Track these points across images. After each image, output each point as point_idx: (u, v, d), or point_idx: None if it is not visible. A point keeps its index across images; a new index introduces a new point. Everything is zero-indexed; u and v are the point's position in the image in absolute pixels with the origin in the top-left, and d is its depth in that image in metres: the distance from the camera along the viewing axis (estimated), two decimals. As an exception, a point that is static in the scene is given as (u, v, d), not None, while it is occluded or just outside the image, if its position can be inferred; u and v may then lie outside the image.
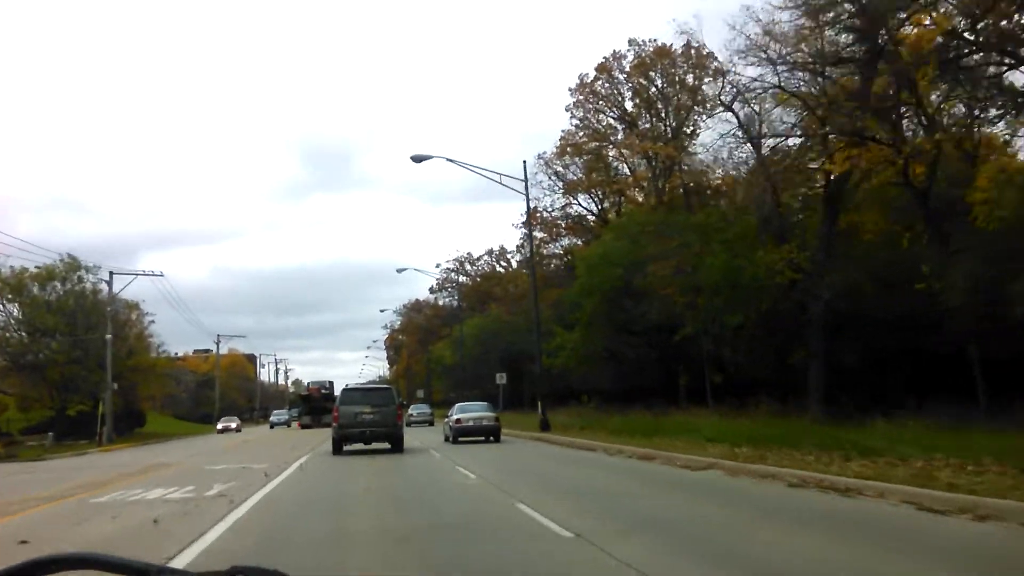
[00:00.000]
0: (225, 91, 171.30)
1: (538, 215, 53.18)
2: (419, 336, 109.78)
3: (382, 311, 78.54)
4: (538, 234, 54.03)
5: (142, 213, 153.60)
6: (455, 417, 30.53)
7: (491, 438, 29.55)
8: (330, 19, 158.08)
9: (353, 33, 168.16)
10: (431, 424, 52.21)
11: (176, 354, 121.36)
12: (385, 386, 32.01)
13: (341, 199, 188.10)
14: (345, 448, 24.74)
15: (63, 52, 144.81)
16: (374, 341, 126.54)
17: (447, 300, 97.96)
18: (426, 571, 6.83)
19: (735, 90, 24.58)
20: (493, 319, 60.36)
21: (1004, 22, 17.71)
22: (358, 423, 24.13)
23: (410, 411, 53.95)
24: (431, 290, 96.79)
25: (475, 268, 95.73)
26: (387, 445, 24.55)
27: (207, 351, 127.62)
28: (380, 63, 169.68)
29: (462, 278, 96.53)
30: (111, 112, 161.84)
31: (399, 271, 58.35)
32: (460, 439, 29.21)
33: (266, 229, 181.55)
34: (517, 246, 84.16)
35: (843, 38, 21.35)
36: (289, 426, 68.31)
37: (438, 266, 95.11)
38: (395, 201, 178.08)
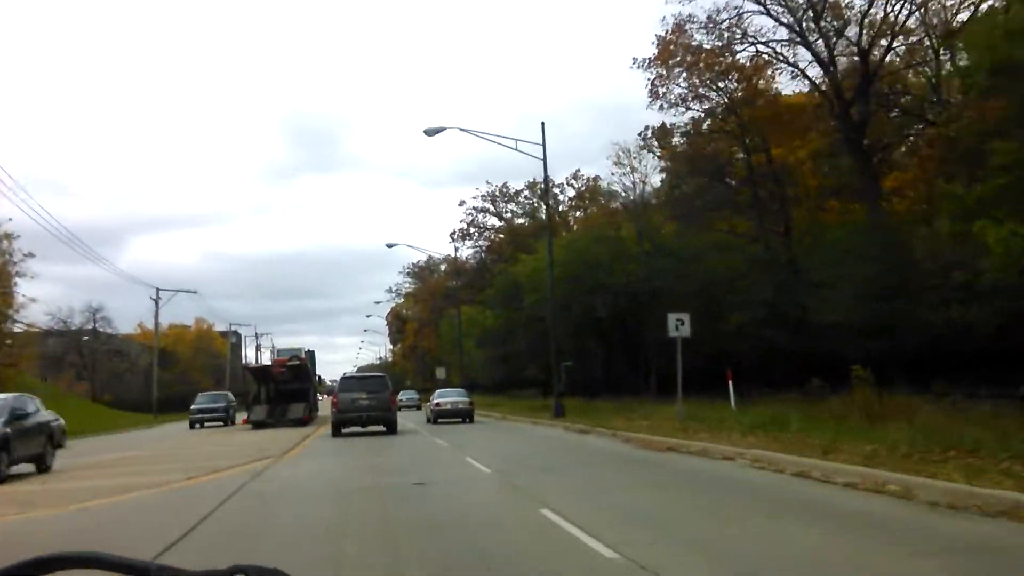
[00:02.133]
0: (209, 70, 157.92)
1: (683, 36, 29.07)
2: (433, 303, 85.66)
3: (390, 246, 53.51)
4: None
5: (127, 196, 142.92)
6: (435, 401, 33.49)
7: (466, 420, 31.97)
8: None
9: (337, 9, 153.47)
10: (418, 408, 51.25)
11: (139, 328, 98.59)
12: (380, 374, 33.21)
13: (331, 181, 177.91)
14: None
15: (43, 31, 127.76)
16: (376, 302, 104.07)
17: (474, 252, 73.39)
18: None
19: None
20: (589, 239, 35.84)
21: None
22: (355, 408, 25.10)
23: (400, 396, 53.81)
24: (452, 237, 72.38)
25: (510, 209, 71.77)
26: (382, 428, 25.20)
27: (185, 326, 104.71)
28: (365, 39, 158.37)
29: (493, 220, 72.50)
30: (92, 93, 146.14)
31: (429, 132, 30.36)
32: (439, 420, 31.65)
33: (256, 212, 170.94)
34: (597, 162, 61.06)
35: None
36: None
37: (462, 204, 71.35)
38: (388, 183, 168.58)
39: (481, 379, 55.14)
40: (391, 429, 25.22)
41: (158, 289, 59.05)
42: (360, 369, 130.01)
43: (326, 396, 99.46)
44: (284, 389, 36.73)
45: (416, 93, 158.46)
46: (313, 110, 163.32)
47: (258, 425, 33.51)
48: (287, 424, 33.38)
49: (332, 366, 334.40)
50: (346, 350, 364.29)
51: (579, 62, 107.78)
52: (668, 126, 32.91)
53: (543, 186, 70.24)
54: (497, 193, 71.08)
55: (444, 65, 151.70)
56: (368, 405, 25.02)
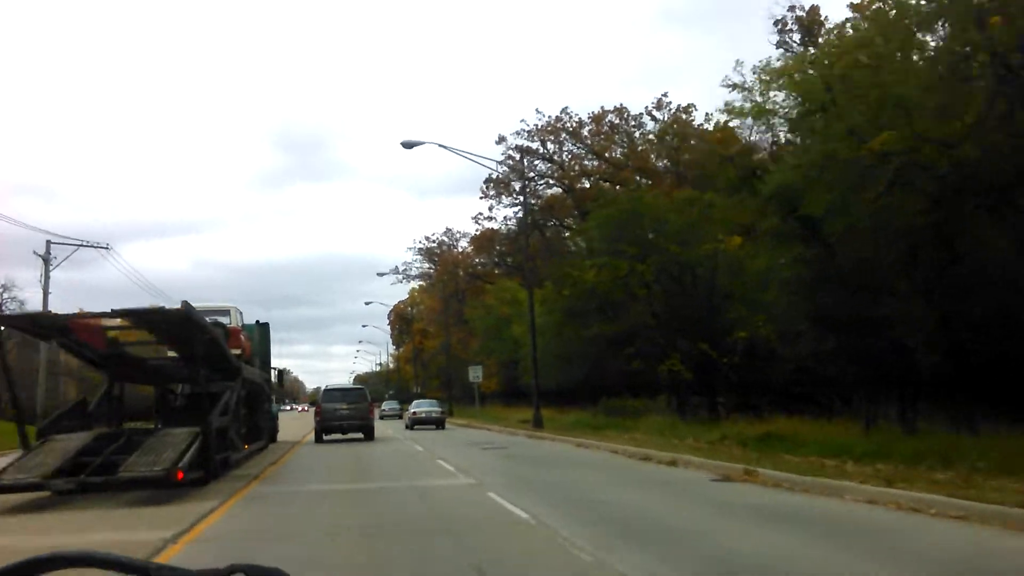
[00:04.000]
0: (201, 79, 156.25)
1: None
2: (453, 289, 64.81)
3: (408, 145, 31.16)
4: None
5: (117, 202, 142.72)
6: (412, 410, 39.28)
7: (438, 426, 36.59)
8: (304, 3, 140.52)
9: (328, 19, 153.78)
10: (400, 417, 51.03)
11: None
12: (360, 386, 36.57)
13: (322, 189, 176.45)
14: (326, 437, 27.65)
15: (35, 38, 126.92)
16: (380, 274, 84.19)
17: (514, 213, 51.81)
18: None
19: None
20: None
21: None
22: (337, 417, 27.85)
23: (382, 407, 55.87)
24: (485, 188, 51.53)
25: (568, 150, 51.05)
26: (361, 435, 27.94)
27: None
28: (355, 49, 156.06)
29: (542, 165, 51.43)
30: (83, 100, 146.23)
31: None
32: (416, 427, 36.62)
33: (247, 220, 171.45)
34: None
35: None
36: None
37: (501, 140, 50.44)
38: (380, 192, 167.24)
39: (548, 382, 34.70)
40: (369, 436, 27.86)
41: (49, 242, 38.36)
42: (356, 379, 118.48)
43: (308, 407, 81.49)
44: (186, 394, 16.23)
45: (406, 102, 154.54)
46: (303, 119, 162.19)
47: (24, 490, 11.82)
48: (142, 485, 12.16)
49: (327, 375, 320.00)
50: (342, 359, 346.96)
51: (572, 69, 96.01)
52: None
53: (617, 110, 49.86)
54: (550, 127, 50.27)
55: (434, 74, 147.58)
56: (348, 415, 27.77)
